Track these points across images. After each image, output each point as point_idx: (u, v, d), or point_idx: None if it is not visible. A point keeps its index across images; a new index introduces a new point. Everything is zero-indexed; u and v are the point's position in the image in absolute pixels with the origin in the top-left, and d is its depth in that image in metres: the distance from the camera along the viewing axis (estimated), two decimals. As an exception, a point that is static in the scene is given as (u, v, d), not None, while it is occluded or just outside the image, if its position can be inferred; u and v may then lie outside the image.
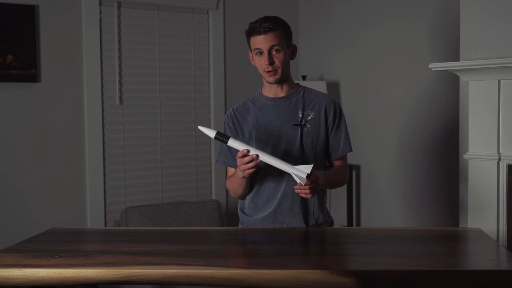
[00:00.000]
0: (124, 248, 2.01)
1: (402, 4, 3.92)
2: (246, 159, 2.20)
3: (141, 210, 3.54)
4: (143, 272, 1.72)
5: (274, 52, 2.31)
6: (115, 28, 3.82)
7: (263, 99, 2.43)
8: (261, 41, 2.30)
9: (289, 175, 2.32)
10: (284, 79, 2.38)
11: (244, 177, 2.30)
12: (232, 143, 2.24)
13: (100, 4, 3.75)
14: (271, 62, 2.31)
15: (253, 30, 2.32)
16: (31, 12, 3.48)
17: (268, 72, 2.33)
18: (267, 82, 2.39)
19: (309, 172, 2.16)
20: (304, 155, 2.36)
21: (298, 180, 2.19)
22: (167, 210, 3.62)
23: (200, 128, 2.29)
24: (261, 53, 2.32)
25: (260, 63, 2.33)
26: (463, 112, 3.28)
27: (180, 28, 4.10)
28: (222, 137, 2.25)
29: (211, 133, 2.26)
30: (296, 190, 2.21)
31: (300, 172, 2.18)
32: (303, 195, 2.21)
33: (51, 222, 3.47)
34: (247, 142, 2.40)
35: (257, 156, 2.20)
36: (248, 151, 2.20)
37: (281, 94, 2.42)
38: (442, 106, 3.72)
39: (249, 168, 2.21)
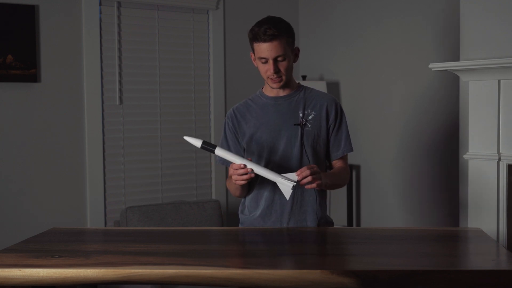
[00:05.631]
0: (124, 248, 2.01)
1: (401, 4, 3.92)
2: (240, 171, 2.20)
3: (141, 210, 3.54)
4: (143, 272, 1.72)
5: (279, 60, 2.29)
6: (115, 28, 3.82)
7: (264, 98, 2.43)
8: (266, 50, 2.27)
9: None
10: (287, 82, 2.38)
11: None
12: (219, 152, 2.25)
13: (100, 4, 3.75)
14: (276, 71, 2.30)
15: (257, 36, 2.27)
16: (31, 12, 3.48)
17: (272, 79, 2.33)
18: (271, 87, 2.39)
19: (295, 180, 2.15)
20: (304, 155, 2.36)
21: (284, 192, 2.18)
22: (167, 210, 3.61)
23: (186, 138, 2.29)
24: (266, 61, 2.30)
25: (265, 70, 2.32)
26: (463, 112, 3.28)
27: (180, 28, 4.09)
28: (208, 146, 2.26)
29: (197, 142, 2.27)
30: (301, 183, 2.17)
31: (287, 180, 2.17)
32: (309, 186, 2.18)
33: (51, 222, 3.47)
34: (248, 142, 2.40)
35: (252, 170, 2.20)
36: (245, 165, 2.20)
37: (282, 93, 2.41)
38: (442, 106, 3.72)
39: (241, 180, 2.22)
